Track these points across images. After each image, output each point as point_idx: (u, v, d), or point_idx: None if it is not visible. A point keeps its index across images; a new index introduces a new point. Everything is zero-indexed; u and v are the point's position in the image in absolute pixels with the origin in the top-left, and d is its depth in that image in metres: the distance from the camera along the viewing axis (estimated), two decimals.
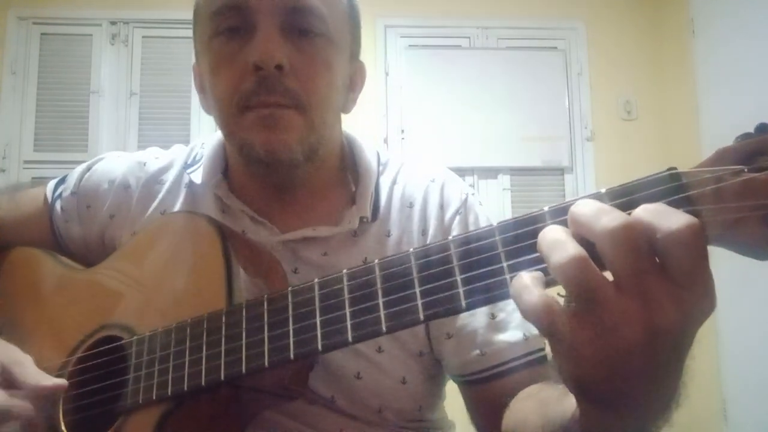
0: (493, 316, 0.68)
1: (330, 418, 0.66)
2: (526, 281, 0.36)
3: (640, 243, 0.33)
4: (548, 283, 0.37)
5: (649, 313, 0.33)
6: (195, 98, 2.95)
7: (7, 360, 0.61)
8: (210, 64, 0.67)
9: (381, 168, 0.77)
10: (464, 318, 0.68)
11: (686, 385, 0.38)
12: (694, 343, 0.36)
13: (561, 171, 3.10)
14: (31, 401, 0.59)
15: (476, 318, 0.68)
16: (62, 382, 0.61)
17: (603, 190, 0.38)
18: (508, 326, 0.68)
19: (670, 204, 0.34)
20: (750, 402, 2.50)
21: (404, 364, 0.68)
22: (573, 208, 0.36)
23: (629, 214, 0.34)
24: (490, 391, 0.67)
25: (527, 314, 0.35)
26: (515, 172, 3.07)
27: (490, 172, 3.06)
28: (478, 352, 0.68)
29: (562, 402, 0.45)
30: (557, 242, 0.35)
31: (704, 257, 0.33)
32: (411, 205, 0.74)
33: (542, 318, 0.35)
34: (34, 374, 0.61)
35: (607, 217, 0.34)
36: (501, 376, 0.67)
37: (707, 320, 0.34)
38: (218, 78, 0.65)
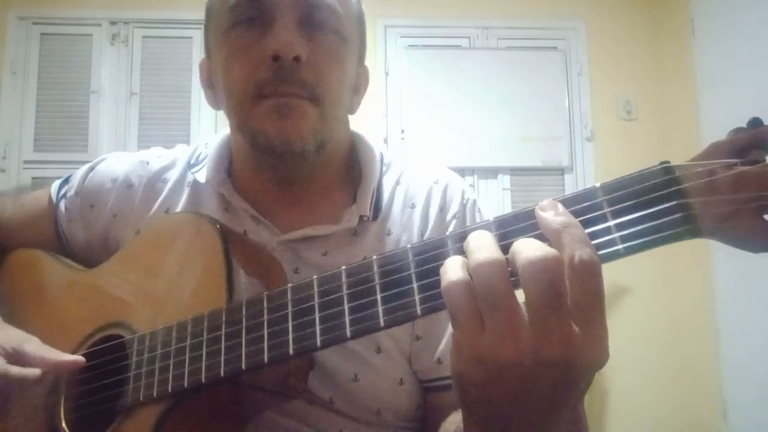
0: None
1: (329, 417, 0.66)
2: (457, 262, 0.38)
3: (503, 276, 0.36)
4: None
5: (535, 339, 0.35)
6: (195, 98, 2.97)
7: (17, 339, 0.64)
8: (225, 54, 0.67)
9: (384, 168, 0.77)
10: (434, 322, 0.68)
11: None
12: (578, 403, 0.38)
13: (561, 171, 3.10)
14: (42, 376, 0.61)
15: (443, 325, 0.68)
16: (80, 358, 0.62)
17: (597, 185, 0.39)
18: None
19: (663, 197, 0.35)
20: (750, 402, 2.50)
21: (401, 364, 0.68)
22: (466, 241, 0.39)
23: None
24: (439, 401, 0.68)
25: (443, 290, 0.38)
26: (515, 172, 3.08)
27: (490, 172, 3.07)
28: (436, 360, 0.68)
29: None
30: (447, 267, 0.39)
31: (599, 294, 0.35)
32: (413, 206, 0.74)
33: (451, 298, 0.37)
34: (47, 350, 0.63)
35: (477, 253, 0.37)
36: (448, 389, 0.67)
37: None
38: (233, 67, 0.66)
